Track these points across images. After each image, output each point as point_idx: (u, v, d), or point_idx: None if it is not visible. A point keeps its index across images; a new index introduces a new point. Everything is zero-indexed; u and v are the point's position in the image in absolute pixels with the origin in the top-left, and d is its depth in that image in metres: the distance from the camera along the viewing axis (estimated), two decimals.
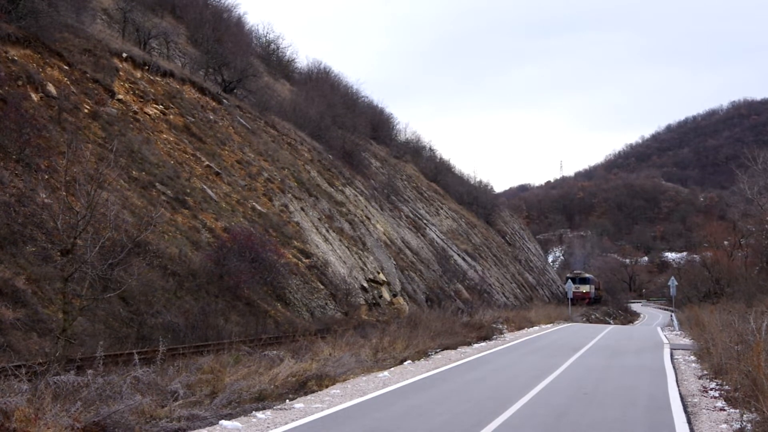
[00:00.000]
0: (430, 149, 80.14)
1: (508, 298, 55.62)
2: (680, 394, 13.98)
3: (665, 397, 13.58)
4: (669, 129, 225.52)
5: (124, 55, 30.79)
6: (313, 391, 13.61)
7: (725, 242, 62.71)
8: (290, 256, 26.86)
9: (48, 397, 9.24)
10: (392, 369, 17.16)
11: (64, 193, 14.83)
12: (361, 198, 42.79)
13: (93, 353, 12.34)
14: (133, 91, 29.30)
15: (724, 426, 10.74)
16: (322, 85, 60.87)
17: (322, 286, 27.32)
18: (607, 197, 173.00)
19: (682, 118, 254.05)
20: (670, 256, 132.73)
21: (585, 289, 70.86)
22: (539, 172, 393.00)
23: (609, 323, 54.91)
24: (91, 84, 26.25)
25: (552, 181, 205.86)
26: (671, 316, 48.79)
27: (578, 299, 64.18)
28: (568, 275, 77.80)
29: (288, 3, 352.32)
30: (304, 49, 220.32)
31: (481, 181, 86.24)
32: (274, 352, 16.25)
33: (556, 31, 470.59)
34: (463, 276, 48.54)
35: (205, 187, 27.02)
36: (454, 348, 22.85)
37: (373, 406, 12.03)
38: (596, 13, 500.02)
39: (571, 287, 56.53)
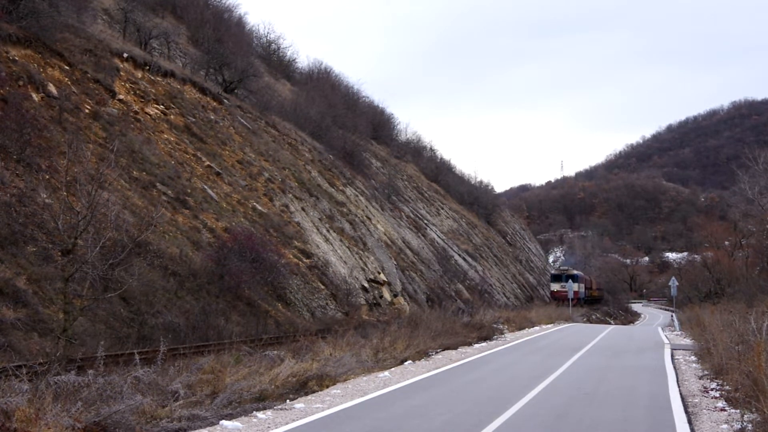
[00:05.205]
0: (431, 149, 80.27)
1: (509, 298, 55.62)
2: (681, 394, 13.97)
3: (666, 397, 13.58)
4: (670, 129, 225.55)
5: (125, 55, 30.81)
6: (313, 391, 13.61)
7: (726, 242, 62.66)
8: (291, 256, 26.86)
9: (49, 397, 9.23)
10: (393, 369, 17.15)
11: (64, 193, 14.85)
12: (361, 198, 42.80)
13: (94, 353, 12.34)
14: (134, 91, 29.31)
15: (724, 426, 10.73)
16: (322, 85, 60.91)
17: (322, 286, 27.32)
18: (607, 197, 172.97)
19: (682, 118, 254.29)
20: (671, 256, 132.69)
21: (573, 287, 67.72)
22: (540, 172, 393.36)
23: (609, 323, 54.89)
24: (91, 84, 26.26)
25: (553, 181, 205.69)
26: (672, 316, 48.75)
27: (563, 299, 57.21)
28: (552, 272, 72.29)
29: (288, 3, 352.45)
30: (304, 49, 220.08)
31: (481, 181, 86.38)
32: (275, 352, 16.25)
33: (556, 31, 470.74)
34: (464, 276, 48.54)
35: (205, 187, 27.03)
36: (455, 348, 22.84)
37: (374, 406, 12.03)
38: (596, 13, 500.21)
39: (571, 287, 55.94)
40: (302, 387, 13.71)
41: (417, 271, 40.51)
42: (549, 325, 39.58)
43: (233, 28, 54.17)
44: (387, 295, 32.76)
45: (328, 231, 32.86)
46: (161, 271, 19.17)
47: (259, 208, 29.10)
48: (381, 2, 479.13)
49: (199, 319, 18.07)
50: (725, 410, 12.00)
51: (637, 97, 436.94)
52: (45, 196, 18.05)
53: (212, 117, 34.31)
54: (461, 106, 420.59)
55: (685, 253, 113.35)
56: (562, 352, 22.65)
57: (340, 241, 33.03)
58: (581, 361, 20.04)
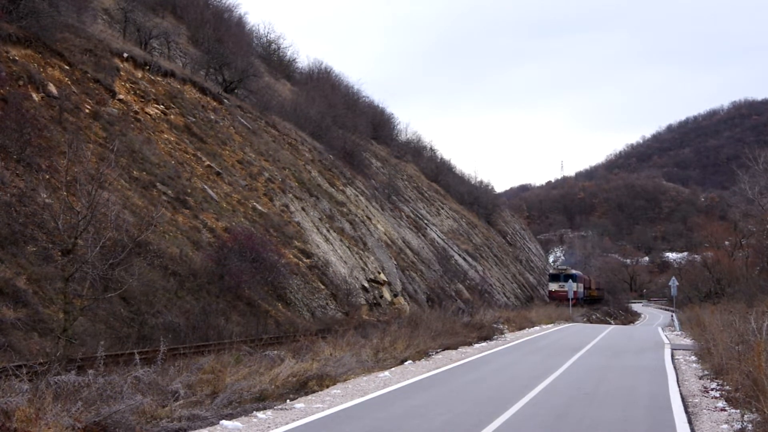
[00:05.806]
0: (431, 149, 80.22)
1: (509, 298, 55.63)
2: (681, 394, 13.98)
3: (666, 397, 13.58)
4: (670, 129, 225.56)
5: (125, 55, 30.80)
6: (313, 391, 13.61)
7: (726, 242, 62.70)
8: (291, 256, 26.86)
9: (49, 397, 9.24)
10: (393, 369, 17.15)
11: (65, 193, 14.84)
12: (361, 198, 42.80)
13: (94, 353, 12.34)
14: (134, 91, 29.31)
15: (725, 426, 10.74)
16: (322, 85, 60.90)
17: (322, 286, 27.32)
18: (608, 197, 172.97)
19: (682, 118, 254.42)
20: (671, 256, 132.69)
21: (573, 287, 66.70)
22: (540, 172, 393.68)
23: (610, 323, 54.86)
24: (92, 84, 26.26)
25: (553, 181, 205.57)
26: (672, 316, 48.76)
27: (561, 299, 56.41)
28: (550, 271, 71.32)
29: (288, 3, 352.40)
30: (304, 49, 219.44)
31: (482, 181, 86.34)
32: (275, 352, 16.25)
33: (556, 31, 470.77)
34: (464, 276, 48.54)
35: (205, 187, 27.03)
36: (455, 348, 22.85)
37: (374, 406, 12.03)
38: (596, 13, 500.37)
39: (571, 287, 55.80)
40: (302, 387, 13.71)
41: (417, 271, 40.51)
42: (549, 325, 39.58)
43: (233, 28, 54.16)
44: (387, 295, 32.76)
45: (328, 231, 32.86)
46: (161, 271, 19.17)
47: (259, 208, 29.10)
48: (381, 2, 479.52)
49: (199, 319, 18.07)
50: (725, 410, 12.00)
51: (637, 97, 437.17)
52: (45, 196, 18.05)
53: (212, 117, 34.31)
54: (461, 106, 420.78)
55: (685, 253, 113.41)
56: (562, 352, 22.65)
57: (340, 241, 33.03)
58: (581, 361, 20.04)
